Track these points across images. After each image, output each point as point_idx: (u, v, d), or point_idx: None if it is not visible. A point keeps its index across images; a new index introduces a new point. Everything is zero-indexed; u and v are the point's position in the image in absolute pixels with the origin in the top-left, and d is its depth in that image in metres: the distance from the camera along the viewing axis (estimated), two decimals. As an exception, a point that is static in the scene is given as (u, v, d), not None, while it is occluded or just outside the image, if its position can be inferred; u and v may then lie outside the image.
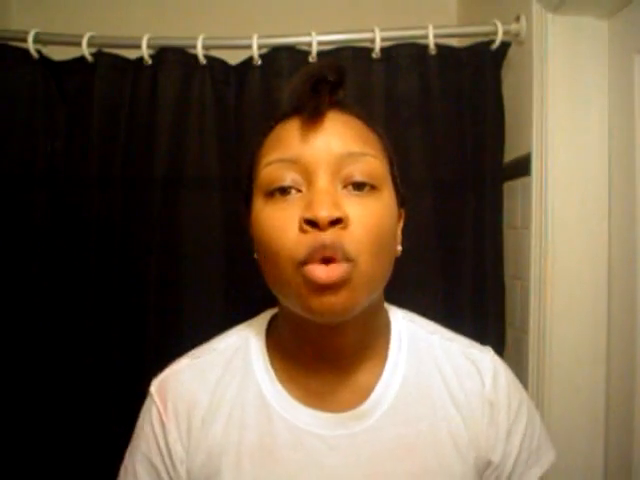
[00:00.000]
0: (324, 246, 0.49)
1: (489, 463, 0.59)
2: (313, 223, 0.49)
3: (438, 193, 1.06)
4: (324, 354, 0.58)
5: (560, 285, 0.98)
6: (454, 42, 1.14)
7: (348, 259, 0.50)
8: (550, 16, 0.98)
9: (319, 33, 1.05)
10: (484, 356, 0.63)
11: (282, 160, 0.53)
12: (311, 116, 0.53)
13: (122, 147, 1.07)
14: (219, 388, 0.59)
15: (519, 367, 1.04)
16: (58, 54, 1.10)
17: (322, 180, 0.51)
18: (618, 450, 0.93)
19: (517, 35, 1.06)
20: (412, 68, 1.06)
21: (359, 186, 0.53)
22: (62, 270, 1.06)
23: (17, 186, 1.06)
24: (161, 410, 0.59)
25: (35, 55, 1.06)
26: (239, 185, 1.05)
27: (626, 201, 0.92)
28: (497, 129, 1.09)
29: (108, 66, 1.07)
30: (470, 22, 1.37)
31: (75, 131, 1.08)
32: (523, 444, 0.61)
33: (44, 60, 1.08)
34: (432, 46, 1.05)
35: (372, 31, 1.05)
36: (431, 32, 1.04)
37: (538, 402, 0.98)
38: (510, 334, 1.11)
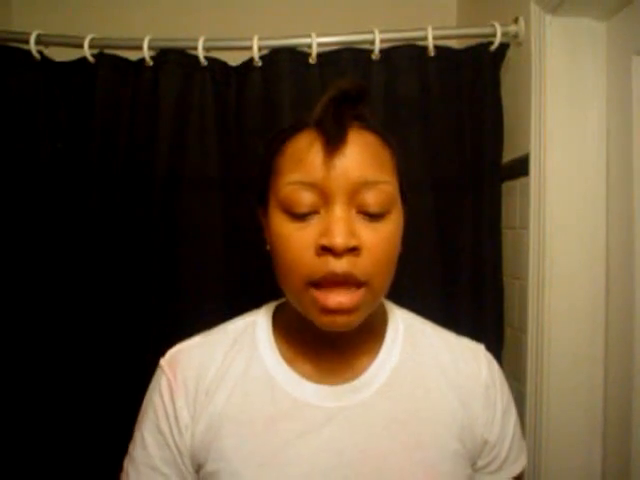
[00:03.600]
0: (336, 274, 0.53)
1: (485, 442, 0.63)
2: (329, 249, 0.52)
3: (437, 193, 1.07)
4: (326, 339, 0.61)
5: (558, 285, 0.98)
6: (453, 43, 1.15)
7: (359, 284, 0.54)
8: (548, 17, 0.98)
9: (319, 35, 1.06)
10: (478, 346, 0.69)
11: (303, 183, 0.55)
12: (333, 140, 0.54)
13: (123, 148, 1.08)
14: (226, 361, 0.63)
15: (518, 366, 1.05)
16: (60, 55, 1.11)
17: (339, 206, 0.54)
18: (616, 449, 0.94)
19: (515, 36, 1.06)
20: (411, 69, 1.07)
21: (372, 215, 0.55)
22: (63, 270, 1.07)
23: (19, 186, 1.06)
24: (171, 379, 0.62)
25: (37, 56, 1.07)
26: (239, 185, 1.07)
27: (624, 201, 0.93)
28: (496, 130, 1.09)
29: (109, 67, 1.08)
30: (469, 24, 1.38)
31: (76, 132, 1.08)
32: (515, 428, 0.66)
33: (46, 61, 1.09)
34: (431, 47, 1.06)
35: (372, 32, 1.05)
36: (430, 33, 1.05)
37: (536, 401, 0.98)
38: (508, 333, 1.11)
